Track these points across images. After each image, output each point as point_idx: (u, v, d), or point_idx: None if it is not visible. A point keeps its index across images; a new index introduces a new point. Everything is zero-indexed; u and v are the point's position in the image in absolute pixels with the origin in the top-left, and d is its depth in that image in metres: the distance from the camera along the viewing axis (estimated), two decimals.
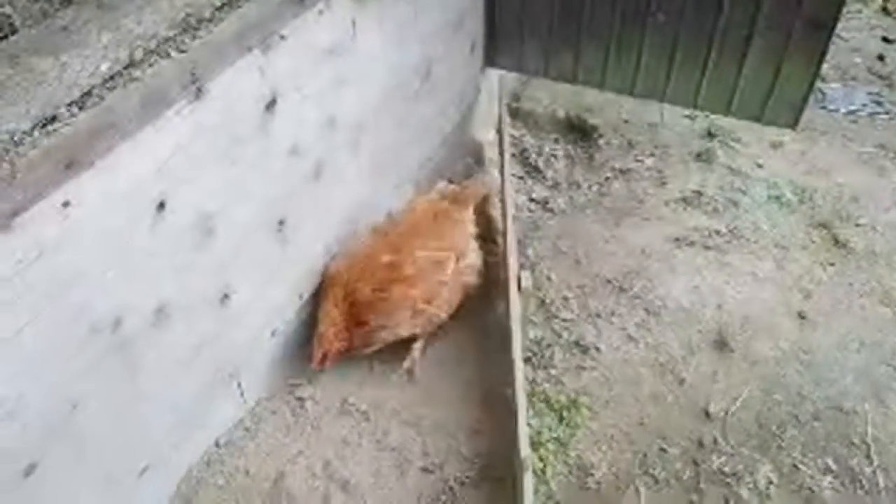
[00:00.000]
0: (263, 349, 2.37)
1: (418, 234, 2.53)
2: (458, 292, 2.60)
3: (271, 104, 1.97)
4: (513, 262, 2.53)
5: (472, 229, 2.68)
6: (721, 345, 2.59)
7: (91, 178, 1.51)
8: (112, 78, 1.55)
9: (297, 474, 2.26)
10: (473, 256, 2.63)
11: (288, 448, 2.33)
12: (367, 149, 2.54)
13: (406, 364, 2.57)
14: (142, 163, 1.62)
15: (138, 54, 1.60)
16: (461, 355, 2.61)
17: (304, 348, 2.55)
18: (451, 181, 3.15)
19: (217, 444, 2.32)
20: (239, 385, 2.33)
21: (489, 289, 2.74)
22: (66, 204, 1.46)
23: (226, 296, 2.06)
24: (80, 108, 1.48)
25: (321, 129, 2.24)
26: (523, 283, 2.38)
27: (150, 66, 1.61)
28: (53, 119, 1.43)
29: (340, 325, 2.39)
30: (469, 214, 2.68)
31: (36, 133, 1.40)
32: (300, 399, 2.48)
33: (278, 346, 2.44)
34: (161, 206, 1.72)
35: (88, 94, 1.51)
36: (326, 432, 2.39)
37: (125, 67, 1.58)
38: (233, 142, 1.88)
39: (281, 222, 2.20)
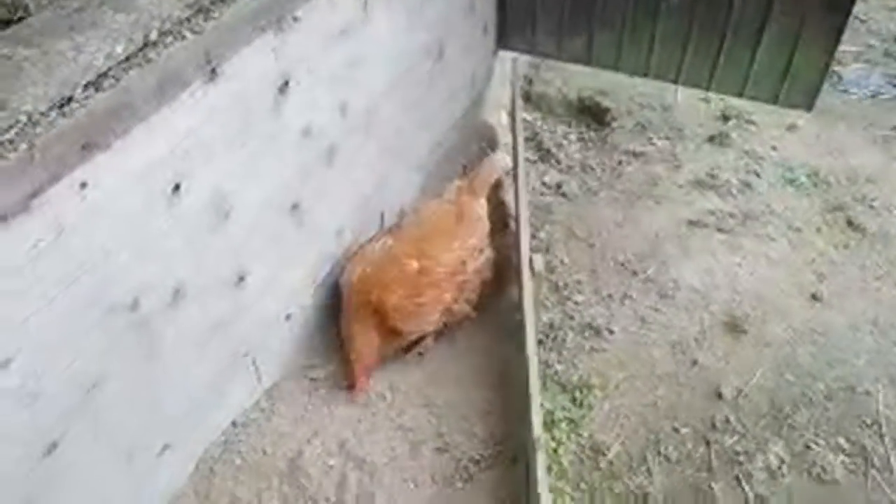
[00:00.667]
0: (279, 331, 2.38)
1: (443, 236, 2.51)
2: (478, 288, 2.59)
3: (284, 86, 1.96)
4: (525, 245, 2.51)
5: (487, 225, 2.66)
6: (734, 326, 2.57)
7: (108, 159, 1.51)
8: (127, 59, 1.55)
9: (313, 453, 2.27)
10: (489, 251, 2.62)
11: (304, 428, 2.34)
12: (378, 132, 2.53)
13: (418, 349, 2.57)
14: (157, 144, 1.62)
15: (153, 35, 1.59)
16: (474, 339, 2.60)
17: (319, 331, 2.56)
18: (465, 167, 3.13)
19: (234, 425, 2.33)
20: (255, 367, 2.34)
21: (501, 273, 2.73)
22: (83, 185, 1.46)
23: (241, 278, 2.06)
24: (97, 90, 1.48)
25: (333, 111, 2.23)
26: (536, 267, 2.37)
27: (165, 47, 1.60)
28: (70, 100, 1.43)
29: (374, 342, 2.38)
30: (484, 205, 2.66)
31: (53, 114, 1.39)
32: (315, 381, 2.49)
33: (293, 328, 2.44)
34: (176, 187, 1.72)
35: (104, 75, 1.50)
36: (341, 413, 2.39)
37: (140, 49, 1.57)
38: (247, 124, 1.87)
39: (295, 205, 2.20)
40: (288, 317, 2.39)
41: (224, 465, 2.25)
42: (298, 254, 2.31)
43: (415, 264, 2.42)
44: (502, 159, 2.70)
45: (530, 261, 2.41)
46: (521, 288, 2.41)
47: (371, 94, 2.40)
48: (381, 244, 2.50)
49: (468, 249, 2.53)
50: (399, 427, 2.34)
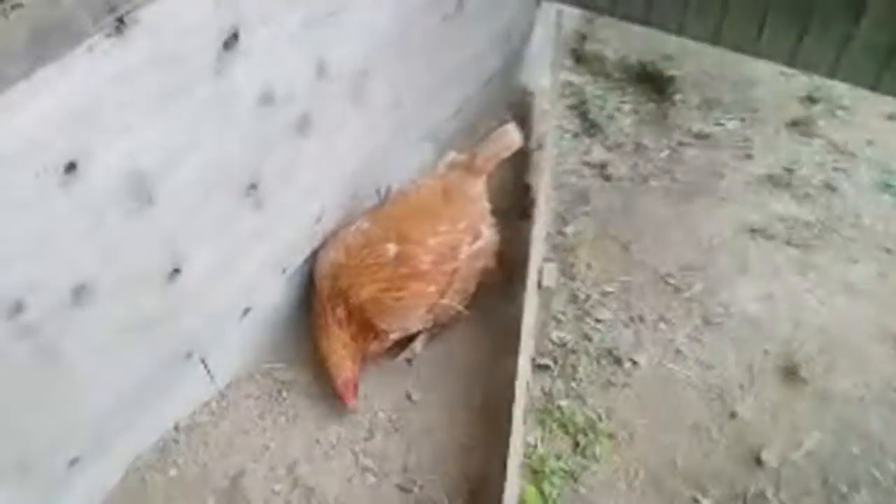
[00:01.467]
0: (234, 328, 2.10)
1: (427, 217, 2.16)
2: (473, 278, 2.26)
3: (232, 40, 1.62)
4: (537, 250, 2.13)
5: (486, 204, 2.29)
6: (790, 372, 2.15)
7: None
8: None
9: (258, 473, 2.02)
10: (489, 235, 2.26)
11: (254, 441, 2.09)
12: (375, 97, 2.18)
13: (405, 354, 2.27)
14: (35, 113, 1.31)
15: None
16: (468, 351, 2.27)
17: (289, 327, 2.31)
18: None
19: (176, 428, 2.10)
20: (205, 365, 2.08)
21: (511, 273, 2.36)
22: None
23: (176, 270, 1.78)
24: None
25: (306, 73, 1.88)
26: (545, 281, 1.99)
27: None
28: None
29: (351, 346, 2.10)
30: (482, 185, 2.28)
31: None
32: (279, 383, 2.23)
33: (254, 324, 2.17)
34: (71, 166, 1.42)
35: None
36: (301, 426, 2.13)
37: None
38: (177, 87, 1.55)
39: (252, 185, 1.88)
40: (246, 311, 2.11)
41: (158, 474, 2.02)
42: (258, 241, 2.00)
43: (392, 250, 2.10)
44: (515, 133, 2.30)
45: (540, 271, 2.03)
46: (523, 304, 2.03)
47: (361, 52, 2.04)
48: (357, 227, 2.17)
49: (458, 233, 2.18)
50: (363, 452, 2.06)
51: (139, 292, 1.72)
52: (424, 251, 2.12)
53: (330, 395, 2.17)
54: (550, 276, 2.02)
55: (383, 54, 2.10)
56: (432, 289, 2.14)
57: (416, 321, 2.18)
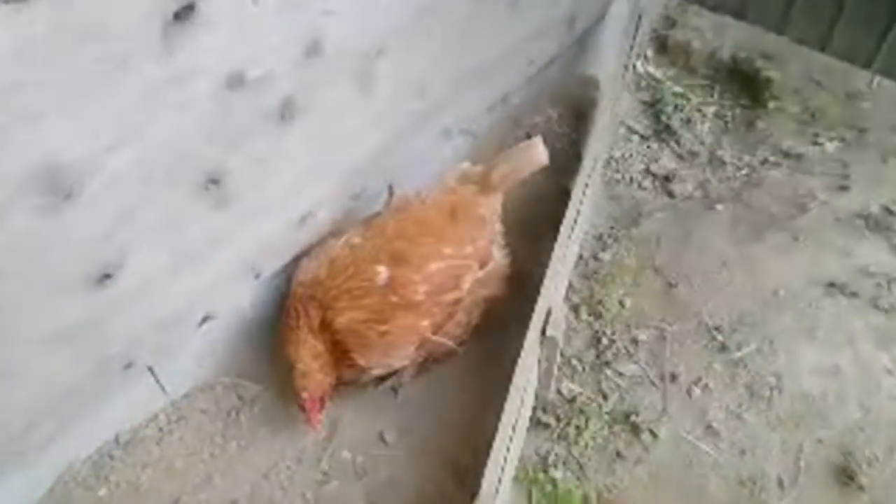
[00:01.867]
0: (190, 337, 1.91)
1: (429, 238, 1.89)
2: (477, 308, 2.00)
3: (185, 11, 1.37)
4: (552, 284, 1.82)
5: (499, 225, 2.00)
6: (845, 472, 1.81)
7: None
8: None
9: None
10: (499, 257, 1.99)
11: (198, 468, 1.91)
12: (388, 83, 1.91)
13: (391, 382, 2.05)
14: None
15: None
16: (460, 392, 2.02)
17: (260, 337, 2.09)
18: (529, 135, 2.44)
19: (117, 441, 1.94)
20: (154, 375, 1.91)
21: (527, 295, 2.07)
22: None
23: (106, 275, 1.57)
24: None
25: (291, 51, 1.62)
26: (550, 329, 1.68)
27: None
28: None
29: (325, 359, 1.87)
30: (497, 204, 1.99)
31: None
32: (238, 400, 2.05)
33: (216, 333, 1.99)
34: None
35: None
36: (252, 456, 1.94)
37: None
38: (104, 65, 1.31)
39: (213, 180, 1.65)
40: (205, 319, 1.90)
41: (87, 492, 1.88)
42: (220, 243, 1.78)
43: (382, 273, 1.84)
44: (540, 150, 1.98)
45: (547, 315, 1.72)
46: (520, 352, 1.72)
47: (370, 30, 1.76)
48: (346, 240, 1.92)
49: (464, 258, 1.92)
50: (314, 500, 1.84)
51: (57, 298, 1.52)
52: (421, 279, 1.86)
53: (291, 419, 1.98)
54: (558, 323, 1.70)
55: (401, 33, 1.82)
56: (425, 323, 1.89)
57: (402, 358, 1.94)
